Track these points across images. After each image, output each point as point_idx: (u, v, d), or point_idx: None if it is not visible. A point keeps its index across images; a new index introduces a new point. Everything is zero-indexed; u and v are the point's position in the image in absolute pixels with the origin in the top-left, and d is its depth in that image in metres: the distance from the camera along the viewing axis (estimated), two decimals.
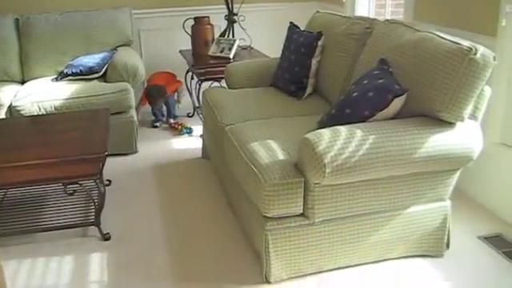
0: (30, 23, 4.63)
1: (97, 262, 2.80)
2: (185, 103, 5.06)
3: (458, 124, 2.40)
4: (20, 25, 4.65)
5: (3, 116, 3.92)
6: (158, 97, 4.73)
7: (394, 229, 2.55)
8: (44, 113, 3.96)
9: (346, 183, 2.34)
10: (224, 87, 4.05)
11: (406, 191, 2.46)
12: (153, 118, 4.89)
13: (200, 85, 4.48)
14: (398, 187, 2.43)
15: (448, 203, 2.60)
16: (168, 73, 4.92)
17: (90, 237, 3.04)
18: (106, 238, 3.00)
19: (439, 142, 2.34)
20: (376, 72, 2.60)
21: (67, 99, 4.01)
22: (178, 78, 4.95)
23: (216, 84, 4.56)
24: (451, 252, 2.72)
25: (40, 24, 4.63)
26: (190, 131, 4.65)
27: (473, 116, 2.47)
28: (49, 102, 3.98)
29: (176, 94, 4.94)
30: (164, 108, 4.90)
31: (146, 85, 4.83)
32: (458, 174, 2.53)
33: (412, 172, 2.39)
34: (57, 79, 4.39)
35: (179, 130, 4.68)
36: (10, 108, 3.98)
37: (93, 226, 3.06)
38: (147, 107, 4.85)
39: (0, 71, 4.53)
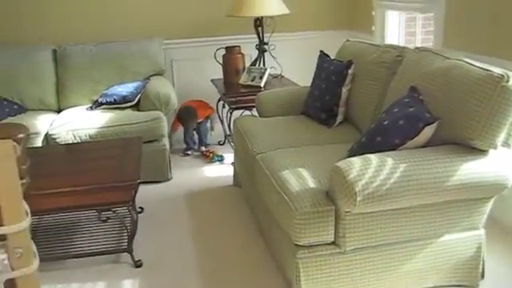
0: (67, 54, 4.76)
1: None
2: (216, 131, 5.11)
3: (491, 151, 2.38)
4: (57, 55, 4.79)
5: (39, 144, 4.02)
6: (189, 119, 4.80)
7: (426, 258, 2.51)
8: (79, 141, 4.04)
9: (377, 211, 2.33)
10: (255, 116, 4.08)
11: (439, 219, 2.43)
12: (185, 145, 4.94)
13: (231, 113, 4.52)
14: (431, 215, 2.41)
15: (482, 232, 2.56)
16: (200, 100, 4.98)
17: (122, 263, 3.07)
18: (137, 264, 3.03)
19: (472, 169, 2.31)
20: (406, 100, 2.60)
21: (101, 128, 4.09)
22: (210, 105, 5.01)
23: (247, 112, 4.60)
24: (486, 282, 2.66)
25: (76, 54, 4.75)
26: (221, 159, 4.69)
27: (506, 143, 2.44)
28: (83, 130, 4.07)
29: (209, 121, 5.00)
30: (196, 136, 4.96)
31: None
32: (491, 202, 2.49)
33: (445, 200, 2.37)
34: (91, 108, 4.49)
35: (211, 157, 4.72)
36: (46, 136, 4.08)
37: (125, 253, 3.09)
38: (179, 134, 4.91)
39: (37, 100, 4.65)
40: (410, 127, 2.41)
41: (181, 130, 4.91)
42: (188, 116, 4.80)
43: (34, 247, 0.92)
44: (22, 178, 0.90)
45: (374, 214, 2.34)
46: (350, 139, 3.14)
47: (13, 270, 0.90)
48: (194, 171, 4.50)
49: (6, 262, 0.89)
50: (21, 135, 0.87)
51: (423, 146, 2.46)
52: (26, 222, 0.90)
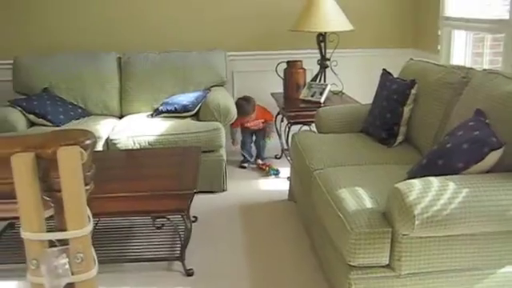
0: (131, 61, 4.88)
1: None
2: (273, 145, 5.11)
3: None
4: (122, 63, 4.92)
5: (100, 148, 4.12)
6: (246, 106, 4.74)
7: None
8: (138, 147, 4.12)
9: (435, 236, 2.26)
10: (313, 131, 4.06)
11: (501, 249, 2.33)
12: (242, 158, 4.96)
13: (289, 128, 4.52)
14: (493, 244, 2.31)
15: None
16: (259, 105, 4.98)
17: (174, 271, 3.10)
18: (189, 273, 3.05)
19: None
20: (472, 123, 2.53)
21: (161, 135, 4.17)
22: (270, 112, 5.01)
23: (305, 128, 4.58)
24: None
25: (140, 62, 4.87)
26: (277, 173, 4.68)
27: None
28: (144, 137, 4.15)
29: (265, 131, 4.99)
30: (253, 149, 4.97)
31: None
32: None
33: (508, 229, 2.28)
34: (152, 115, 4.58)
35: (266, 171, 4.72)
36: (107, 141, 4.18)
37: (177, 261, 3.11)
38: (237, 146, 4.94)
39: (101, 105, 4.79)
40: (475, 151, 2.34)
41: (239, 137, 4.95)
42: (246, 102, 4.75)
43: (94, 253, 0.94)
44: (86, 184, 0.92)
45: (432, 238, 2.27)
46: (410, 160, 3.07)
47: (73, 274, 0.92)
48: (250, 184, 4.51)
49: (67, 266, 0.90)
50: (88, 142, 0.89)
51: (487, 172, 2.37)
52: (88, 228, 0.91)
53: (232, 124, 4.75)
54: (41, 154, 0.90)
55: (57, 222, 0.93)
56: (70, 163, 0.89)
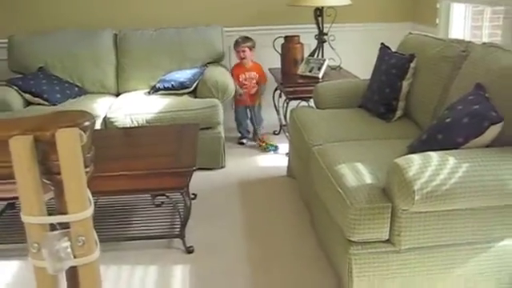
0: (127, 38, 4.84)
1: (179, 274, 2.86)
2: (271, 120, 5.10)
3: None
4: (118, 40, 4.87)
5: (98, 127, 4.10)
6: (247, 39, 4.83)
7: (483, 262, 2.42)
8: (136, 125, 4.10)
9: (435, 211, 2.27)
10: (312, 107, 4.04)
11: (500, 223, 2.34)
12: (239, 134, 4.95)
13: (288, 103, 4.50)
14: (492, 218, 2.32)
15: None
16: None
17: (174, 248, 3.11)
18: (189, 250, 3.06)
19: None
20: (471, 97, 2.52)
21: (158, 113, 4.15)
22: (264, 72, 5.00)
23: (304, 103, 4.56)
24: None
25: (136, 39, 4.82)
26: (275, 149, 4.68)
27: None
28: (141, 115, 4.13)
29: (260, 104, 5.00)
30: (249, 125, 4.96)
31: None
32: None
33: (507, 203, 2.28)
34: (149, 93, 4.55)
35: (264, 146, 4.71)
36: (105, 119, 4.16)
37: (177, 238, 3.12)
38: (232, 122, 4.93)
39: (97, 83, 4.76)
40: (475, 125, 2.33)
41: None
42: (245, 37, 4.84)
43: (96, 235, 0.93)
44: (86, 167, 0.91)
45: (431, 213, 2.27)
46: (409, 135, 3.06)
47: (75, 257, 0.91)
48: (248, 160, 4.51)
49: (69, 249, 0.90)
50: (87, 123, 0.88)
51: (487, 146, 2.37)
52: (89, 211, 0.90)
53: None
54: (39, 136, 0.89)
55: (57, 205, 0.92)
56: (69, 145, 0.88)
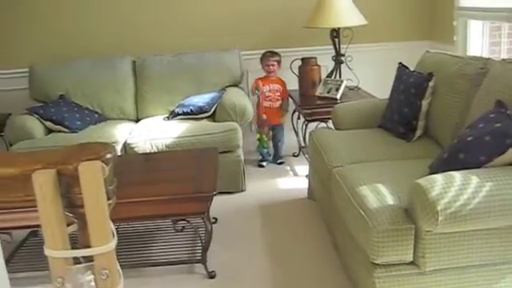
0: (146, 65, 4.89)
1: None
2: (291, 143, 5.09)
3: None
4: (136, 66, 4.93)
5: (118, 153, 4.13)
6: (273, 54, 4.86)
7: (509, 283, 2.37)
8: (156, 150, 4.13)
9: (460, 231, 2.23)
10: (331, 128, 4.03)
11: None
12: (260, 157, 4.95)
13: (306, 125, 4.49)
14: None
15: None
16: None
17: (196, 274, 3.10)
18: (211, 275, 3.05)
19: None
20: (492, 115, 2.49)
21: (178, 137, 4.17)
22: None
23: (323, 125, 4.56)
24: None
25: (154, 65, 4.87)
26: (265, 154, 4.80)
27: None
28: (161, 140, 4.15)
29: (283, 125, 4.99)
30: (271, 147, 4.95)
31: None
32: None
33: None
34: (168, 118, 4.58)
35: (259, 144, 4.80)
36: (125, 145, 4.19)
37: (199, 263, 3.11)
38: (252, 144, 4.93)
39: (117, 109, 4.81)
40: (497, 144, 2.30)
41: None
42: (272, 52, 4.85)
43: (119, 267, 0.93)
44: (109, 199, 0.91)
45: (456, 234, 2.24)
46: (430, 154, 3.03)
47: None
48: (268, 183, 4.50)
49: (93, 283, 0.90)
50: (109, 155, 0.88)
51: (510, 164, 2.34)
52: (112, 244, 0.90)
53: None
54: (62, 170, 0.89)
55: (80, 238, 0.92)
56: (92, 178, 0.89)
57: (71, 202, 0.91)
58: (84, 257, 0.91)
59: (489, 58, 3.17)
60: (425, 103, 3.36)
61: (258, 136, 4.84)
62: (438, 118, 3.29)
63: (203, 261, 3.09)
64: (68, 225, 0.93)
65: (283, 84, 4.90)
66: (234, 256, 3.28)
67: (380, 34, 5.23)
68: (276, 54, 4.86)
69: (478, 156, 2.35)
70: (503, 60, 2.98)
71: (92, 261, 0.90)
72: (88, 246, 0.90)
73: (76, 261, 0.92)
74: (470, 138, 2.43)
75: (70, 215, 0.92)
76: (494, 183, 2.17)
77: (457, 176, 2.21)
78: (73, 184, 0.90)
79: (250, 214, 3.88)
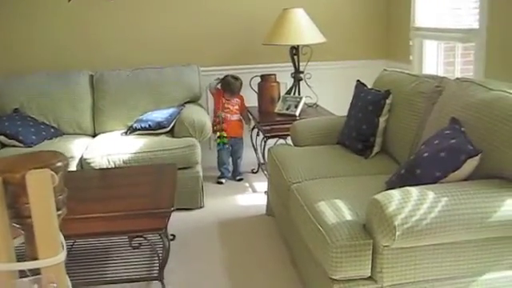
0: (104, 79, 4.82)
1: None
2: (249, 159, 5.07)
3: None
4: (94, 81, 4.85)
5: (74, 168, 4.04)
6: (236, 85, 4.78)
7: None
8: (113, 166, 4.05)
9: (416, 246, 2.25)
10: (290, 144, 4.04)
11: (483, 256, 2.33)
12: (219, 173, 4.92)
13: (265, 142, 4.49)
14: (474, 252, 2.31)
15: None
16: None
17: None
18: None
19: None
20: (448, 132, 2.53)
21: (135, 153, 4.11)
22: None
23: (281, 141, 4.57)
24: None
25: (112, 80, 4.81)
26: (223, 143, 4.78)
27: None
28: (118, 155, 4.08)
29: (243, 141, 4.99)
30: (230, 163, 4.93)
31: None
32: None
33: (488, 237, 2.27)
34: (126, 133, 4.51)
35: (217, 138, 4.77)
36: (81, 160, 4.11)
37: (156, 281, 3.05)
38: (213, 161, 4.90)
39: (73, 124, 4.71)
40: (452, 159, 2.34)
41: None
42: (234, 80, 4.78)
43: (69, 281, 0.89)
44: (58, 209, 0.87)
45: (413, 249, 2.26)
46: (388, 170, 3.06)
47: None
48: (227, 199, 4.47)
49: None
50: (59, 164, 0.85)
51: (465, 180, 2.38)
52: (61, 256, 0.86)
53: (216, 105, 4.82)
54: (8, 178, 0.85)
55: (27, 250, 0.88)
56: (40, 187, 0.85)
57: (18, 212, 0.87)
58: (31, 270, 0.87)
59: (444, 77, 3.24)
60: (382, 120, 3.40)
61: (217, 134, 4.78)
62: (395, 134, 3.34)
63: (160, 278, 3.03)
64: (14, 237, 0.88)
65: (241, 98, 4.91)
66: (192, 273, 3.23)
67: (338, 52, 5.29)
68: (237, 79, 4.82)
69: (433, 172, 2.39)
70: (457, 79, 3.05)
71: (39, 274, 0.86)
72: (35, 259, 0.86)
73: (22, 274, 0.88)
74: (426, 154, 2.46)
75: (17, 226, 0.88)
76: (449, 198, 2.20)
77: (413, 191, 2.24)
78: (20, 193, 0.86)
79: (209, 230, 3.84)
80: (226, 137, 4.76)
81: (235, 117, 4.88)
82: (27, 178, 0.85)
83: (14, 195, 0.87)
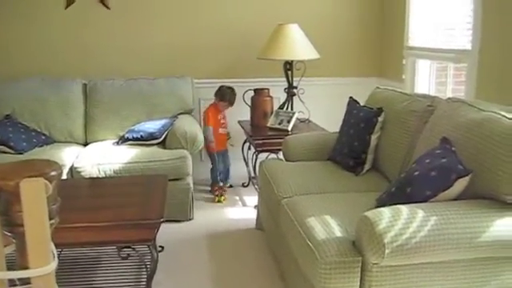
0: (97, 88, 4.81)
1: None
2: (240, 173, 5.08)
3: None
4: (87, 89, 4.84)
5: (64, 176, 4.02)
6: (231, 96, 4.79)
7: None
8: (103, 175, 4.04)
9: (406, 265, 2.25)
10: (281, 159, 4.04)
11: (471, 276, 2.33)
12: (209, 188, 4.92)
13: (257, 156, 4.50)
14: (462, 272, 2.31)
15: None
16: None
17: None
18: None
19: (506, 226, 2.23)
20: (438, 151, 2.55)
21: (126, 163, 4.09)
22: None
23: (273, 156, 4.57)
24: None
25: (106, 89, 4.80)
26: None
27: None
28: (109, 165, 4.07)
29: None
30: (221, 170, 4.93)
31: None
32: None
33: (477, 257, 2.28)
34: (117, 143, 4.50)
35: (217, 197, 4.72)
36: (72, 169, 4.09)
37: None
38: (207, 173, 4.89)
39: (65, 132, 4.69)
40: (443, 179, 2.36)
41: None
42: (230, 90, 4.80)
43: None
44: (51, 219, 0.87)
45: (402, 267, 2.26)
46: (378, 188, 3.08)
47: None
48: (216, 212, 4.46)
49: None
50: (53, 173, 0.84)
51: (455, 199, 2.39)
52: (52, 265, 0.86)
53: (206, 120, 4.80)
54: (2, 186, 0.85)
55: (18, 259, 0.87)
56: (34, 196, 0.85)
57: (10, 220, 0.86)
58: (21, 279, 0.86)
59: (435, 96, 3.27)
60: (374, 138, 3.42)
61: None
62: (387, 152, 3.35)
63: None
64: (5, 245, 0.88)
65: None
66: (180, 285, 3.21)
67: (332, 69, 5.32)
68: (232, 92, 4.84)
69: (424, 190, 2.40)
70: (449, 99, 3.08)
71: (29, 283, 0.86)
72: (26, 268, 0.85)
73: (12, 283, 0.87)
74: (416, 173, 2.48)
75: (9, 234, 0.87)
76: (439, 217, 2.21)
77: (404, 210, 2.25)
78: (13, 201, 0.85)
79: (198, 243, 3.82)
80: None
81: (224, 130, 4.91)
82: (21, 186, 0.85)
83: (7, 203, 0.86)
